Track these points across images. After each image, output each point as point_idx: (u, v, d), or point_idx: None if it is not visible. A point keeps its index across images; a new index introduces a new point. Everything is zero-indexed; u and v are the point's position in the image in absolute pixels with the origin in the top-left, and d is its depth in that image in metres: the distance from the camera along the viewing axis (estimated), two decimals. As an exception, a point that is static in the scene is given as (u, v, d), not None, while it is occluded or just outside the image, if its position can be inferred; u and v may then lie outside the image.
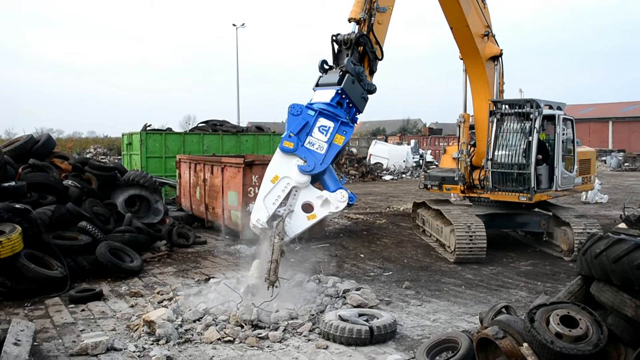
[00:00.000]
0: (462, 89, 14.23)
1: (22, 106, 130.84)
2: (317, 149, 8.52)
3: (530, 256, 12.76)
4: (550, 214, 13.07)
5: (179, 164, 18.44)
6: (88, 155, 38.24)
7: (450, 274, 11.14)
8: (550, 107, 12.95)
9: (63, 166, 13.97)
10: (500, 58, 13.42)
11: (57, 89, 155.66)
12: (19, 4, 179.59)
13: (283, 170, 8.50)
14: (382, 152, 45.02)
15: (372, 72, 9.71)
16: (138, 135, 21.76)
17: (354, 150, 47.74)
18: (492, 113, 12.77)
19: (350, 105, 8.89)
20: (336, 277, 9.67)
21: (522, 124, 12.46)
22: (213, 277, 9.64)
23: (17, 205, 10.04)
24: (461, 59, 13.70)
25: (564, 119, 13.04)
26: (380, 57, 9.84)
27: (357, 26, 9.57)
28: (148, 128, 22.78)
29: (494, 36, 13.39)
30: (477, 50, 13.10)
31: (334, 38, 9.38)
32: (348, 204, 8.49)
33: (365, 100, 9.17)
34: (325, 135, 8.57)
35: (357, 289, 8.84)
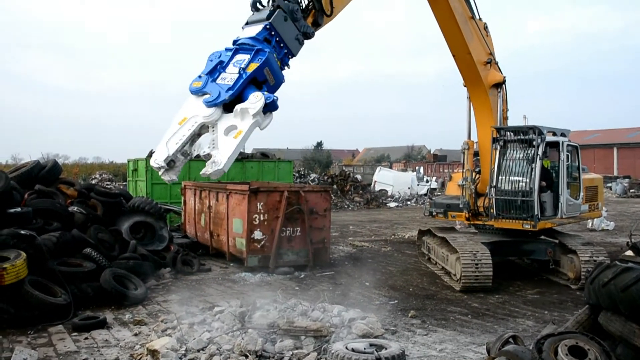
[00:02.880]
0: (466, 116, 14.25)
1: (28, 131, 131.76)
2: (227, 81, 7.43)
3: (537, 284, 12.66)
4: (557, 241, 12.99)
5: (184, 190, 18.46)
6: (93, 181, 38.31)
7: (456, 302, 11.05)
8: (554, 134, 12.95)
9: (69, 192, 13.99)
10: (503, 85, 13.43)
11: (63, 114, 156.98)
12: (26, 30, 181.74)
13: (190, 110, 7.46)
14: (386, 179, 45.08)
15: (316, 24, 8.64)
16: (144, 162, 21.83)
17: (359, 177, 47.76)
18: (495, 140, 12.78)
19: (282, 45, 7.90)
20: (341, 305, 9.59)
21: (526, 151, 12.45)
22: (217, 306, 9.57)
23: (22, 232, 10.05)
24: (464, 86, 13.70)
25: (569, 146, 13.03)
26: (328, 13, 8.72)
27: None
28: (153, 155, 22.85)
29: (497, 63, 13.40)
30: (480, 77, 13.09)
31: None
32: (266, 103, 7.14)
33: (301, 43, 8.12)
34: (238, 68, 7.46)
35: (363, 318, 8.76)
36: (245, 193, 13.85)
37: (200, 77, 7.47)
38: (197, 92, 7.42)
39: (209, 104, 7.27)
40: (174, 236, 16.12)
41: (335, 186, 37.86)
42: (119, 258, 11.96)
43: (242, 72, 7.29)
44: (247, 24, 8.05)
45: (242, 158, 24.04)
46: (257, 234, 12.88)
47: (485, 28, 13.27)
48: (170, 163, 7.47)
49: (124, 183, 33.30)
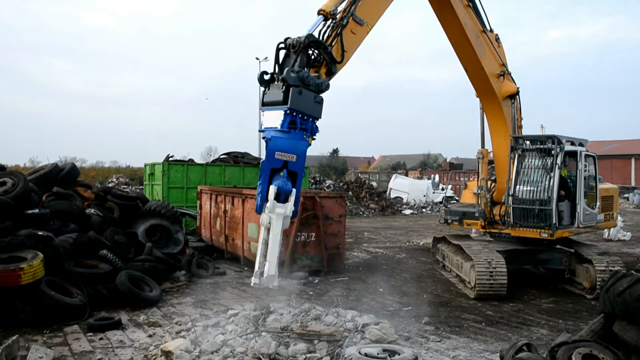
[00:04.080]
0: (480, 125, 14.19)
1: (46, 135, 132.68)
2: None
3: (552, 293, 12.59)
4: (572, 251, 12.93)
5: (200, 194, 18.57)
6: (110, 185, 38.60)
7: (470, 310, 11.02)
8: (572, 144, 12.88)
9: (86, 195, 14.14)
10: (517, 96, 13.27)
11: (80, 119, 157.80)
12: (42, 34, 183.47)
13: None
14: (402, 187, 45.05)
15: (329, 73, 8.76)
16: (160, 166, 22.00)
17: (374, 184, 47.79)
18: (513, 149, 12.72)
19: (306, 117, 8.22)
20: (355, 311, 9.59)
21: (544, 160, 12.40)
22: (232, 309, 9.60)
23: (39, 233, 10.16)
24: (477, 97, 13.62)
25: (586, 156, 12.96)
26: (339, 60, 8.84)
27: (324, 22, 8.83)
28: (170, 159, 23.04)
29: (510, 74, 13.21)
30: (493, 90, 12.90)
31: (282, 43, 8.51)
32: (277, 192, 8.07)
33: (320, 103, 8.36)
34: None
35: (376, 324, 8.75)
36: (261, 198, 13.86)
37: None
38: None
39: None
40: (190, 240, 16.22)
41: (350, 193, 37.90)
42: (134, 260, 12.05)
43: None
44: (263, 104, 8.36)
45: (258, 163, 24.12)
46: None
47: (497, 39, 13.10)
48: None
49: (141, 187, 33.54)
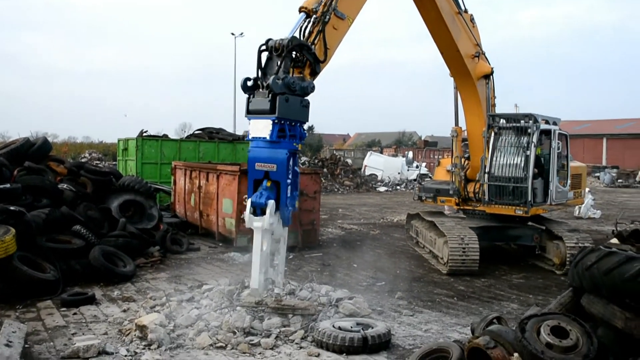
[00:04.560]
0: (454, 104, 14.22)
1: (16, 111, 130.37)
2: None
3: (523, 269, 12.81)
4: (544, 227, 13.13)
5: (174, 170, 18.46)
6: (83, 160, 38.16)
7: (443, 285, 11.17)
8: (547, 122, 13.02)
9: (58, 170, 13.97)
10: (491, 76, 13.30)
11: (52, 94, 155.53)
12: (14, 9, 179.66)
13: None
14: (377, 164, 45.20)
15: (314, 73, 8.74)
16: (134, 141, 21.78)
17: (349, 161, 47.84)
18: (490, 127, 12.82)
19: (294, 123, 8.29)
20: (329, 285, 9.68)
21: (520, 138, 12.52)
22: (206, 284, 9.63)
23: (11, 208, 10.03)
24: (451, 76, 13.57)
25: (560, 134, 13.12)
26: (322, 60, 8.84)
27: (306, 19, 8.85)
28: (144, 134, 22.83)
29: (484, 54, 13.24)
30: (468, 70, 12.88)
31: (264, 46, 8.44)
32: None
33: (307, 106, 8.42)
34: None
35: (350, 298, 8.85)
36: (236, 174, 13.87)
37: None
38: None
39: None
40: (164, 215, 16.13)
41: (325, 170, 37.92)
42: (108, 236, 11.98)
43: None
44: (249, 112, 8.28)
45: (233, 140, 24.02)
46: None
47: (472, 20, 13.02)
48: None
49: (114, 162, 33.24)
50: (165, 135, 24.62)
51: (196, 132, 25.46)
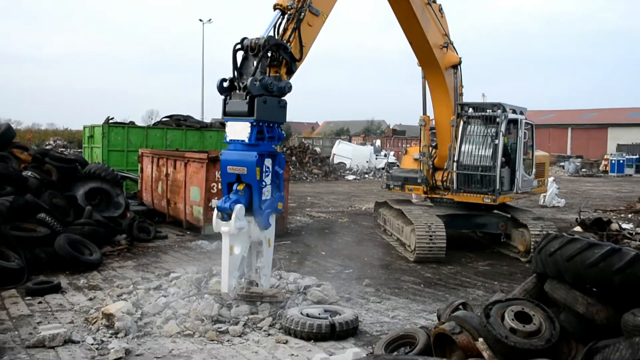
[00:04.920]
0: (422, 93, 14.26)
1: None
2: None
3: (488, 257, 13.00)
4: (509, 215, 13.33)
5: (141, 158, 18.28)
6: (47, 147, 37.53)
7: (410, 272, 11.28)
8: (514, 112, 13.18)
9: (22, 157, 13.72)
10: (459, 66, 13.39)
11: (15, 80, 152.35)
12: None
13: None
14: (345, 152, 45.34)
15: (290, 72, 8.65)
16: (100, 128, 21.51)
17: (318, 149, 47.87)
18: (458, 115, 12.93)
19: (271, 125, 8.21)
20: (297, 273, 9.71)
21: (488, 127, 12.66)
22: (173, 272, 9.59)
23: (-27, 195, 9.86)
24: (419, 66, 13.57)
25: (526, 124, 13.30)
26: (298, 58, 8.78)
27: (281, 16, 8.75)
28: (110, 121, 22.54)
29: (452, 44, 13.29)
30: (437, 60, 12.91)
31: (239, 45, 8.28)
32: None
33: (284, 107, 8.34)
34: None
35: (318, 286, 8.90)
36: (204, 161, 13.80)
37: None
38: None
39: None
40: (131, 203, 15.97)
41: (293, 158, 37.90)
42: (73, 224, 11.81)
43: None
44: (226, 114, 8.19)
45: (200, 127, 23.85)
46: (215, 202, 13.06)
47: (440, 10, 13.05)
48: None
49: (79, 150, 32.77)
50: (132, 123, 24.37)
51: (163, 119, 25.21)
